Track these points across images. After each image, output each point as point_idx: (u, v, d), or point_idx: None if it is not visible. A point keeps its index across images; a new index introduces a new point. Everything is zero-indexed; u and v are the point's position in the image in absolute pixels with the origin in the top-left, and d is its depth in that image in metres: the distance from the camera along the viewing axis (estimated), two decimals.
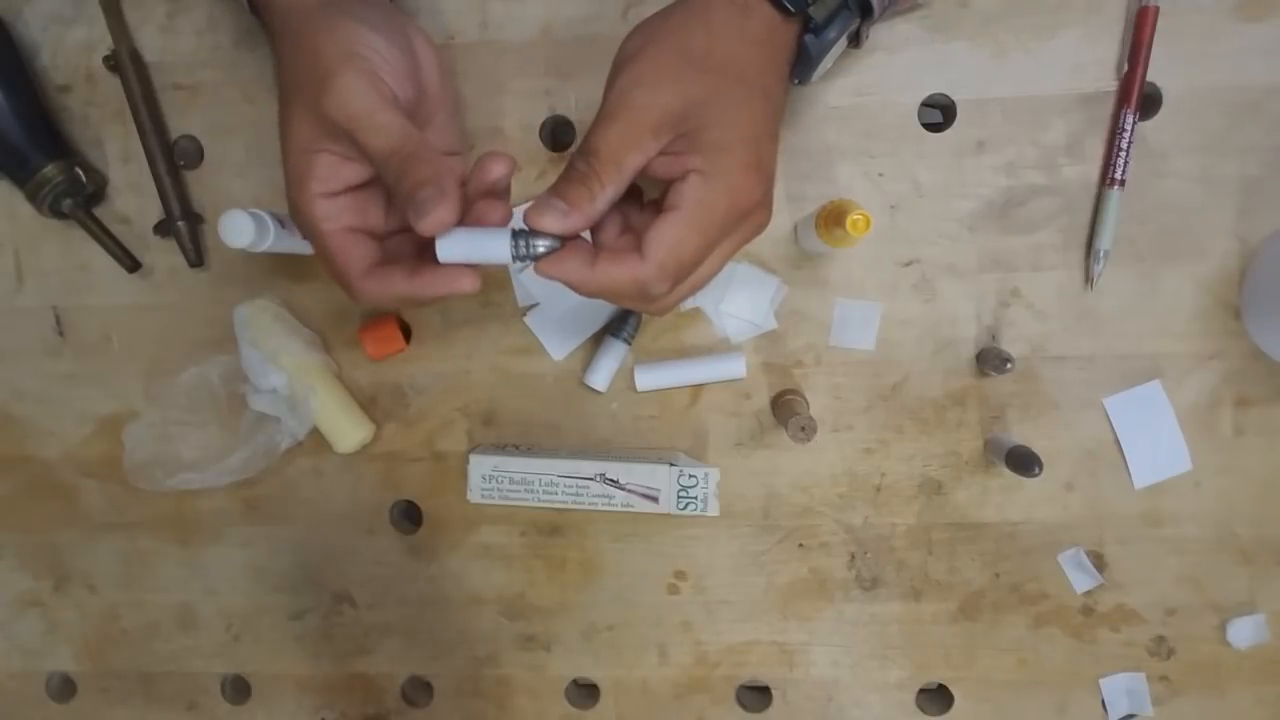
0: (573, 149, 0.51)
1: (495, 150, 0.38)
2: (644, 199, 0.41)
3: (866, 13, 0.40)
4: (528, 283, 0.52)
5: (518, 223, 0.37)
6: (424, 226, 0.35)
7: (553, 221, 0.35)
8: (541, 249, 0.36)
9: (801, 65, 0.40)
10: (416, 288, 0.38)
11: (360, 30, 0.38)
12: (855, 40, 0.43)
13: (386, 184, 0.37)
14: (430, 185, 0.34)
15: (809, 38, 0.39)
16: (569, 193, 0.36)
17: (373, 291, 0.39)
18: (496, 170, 0.38)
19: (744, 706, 0.55)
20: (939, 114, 0.51)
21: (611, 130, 0.36)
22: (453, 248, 0.37)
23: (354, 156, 0.38)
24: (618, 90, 0.36)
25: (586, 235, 0.39)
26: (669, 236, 0.35)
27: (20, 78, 0.51)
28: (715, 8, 0.37)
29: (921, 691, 0.54)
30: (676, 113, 0.36)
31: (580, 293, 0.37)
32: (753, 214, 0.37)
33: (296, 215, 0.39)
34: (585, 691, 0.56)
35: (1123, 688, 0.53)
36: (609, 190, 0.36)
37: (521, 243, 0.36)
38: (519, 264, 0.37)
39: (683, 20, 0.37)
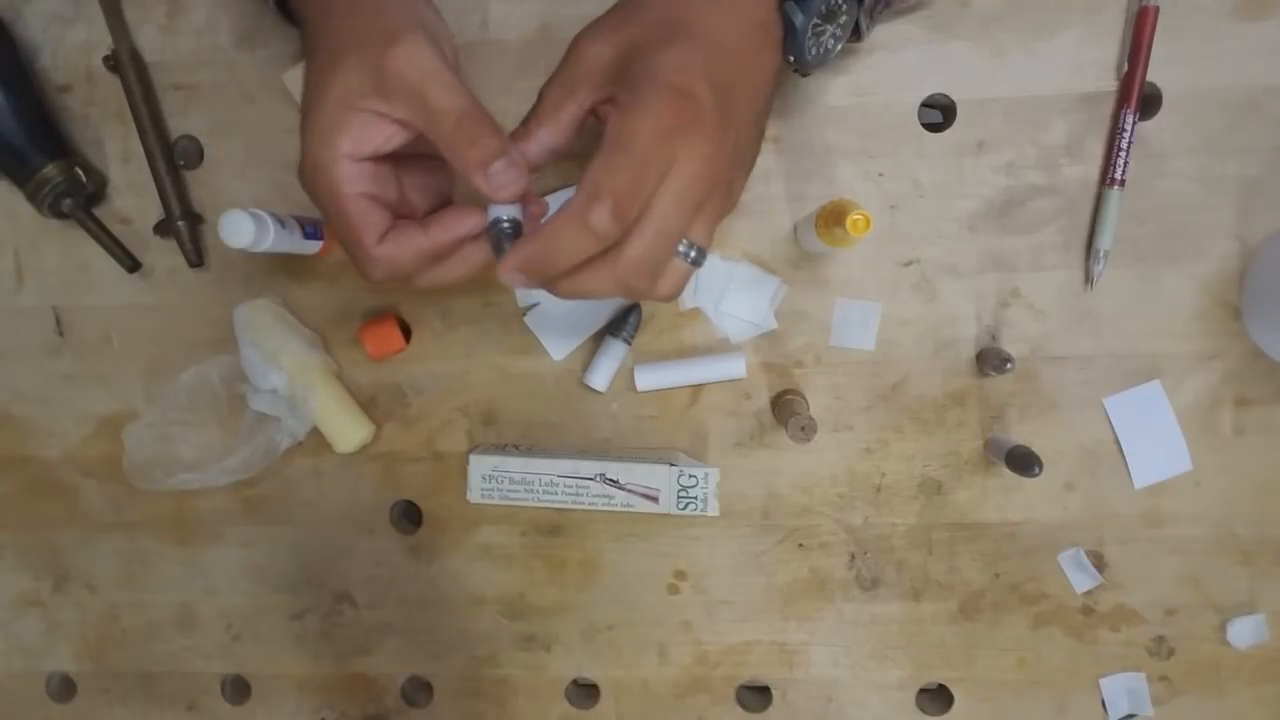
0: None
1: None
2: None
3: None
4: None
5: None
6: (502, 196, 0.37)
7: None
8: (505, 226, 0.38)
9: (789, 41, 0.40)
10: (435, 236, 0.39)
11: (419, 1, 0.40)
12: (856, 34, 0.43)
13: (444, 145, 0.37)
14: (504, 156, 0.36)
15: (789, 6, 0.39)
16: (511, 134, 0.38)
17: (389, 255, 0.39)
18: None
19: (744, 706, 0.55)
20: (939, 114, 0.51)
21: (553, 79, 0.39)
22: None
23: (399, 118, 0.38)
24: (569, 47, 0.39)
25: None
26: (593, 165, 0.35)
27: (20, 78, 0.51)
28: None
29: (921, 691, 0.54)
30: (610, 61, 0.37)
31: (543, 271, 0.37)
32: (686, 140, 0.35)
33: (315, 175, 0.38)
34: (585, 691, 0.56)
35: (1123, 688, 0.53)
36: (543, 130, 0.39)
37: (492, 232, 0.39)
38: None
39: None
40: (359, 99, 0.37)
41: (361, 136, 0.38)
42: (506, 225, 0.38)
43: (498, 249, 0.38)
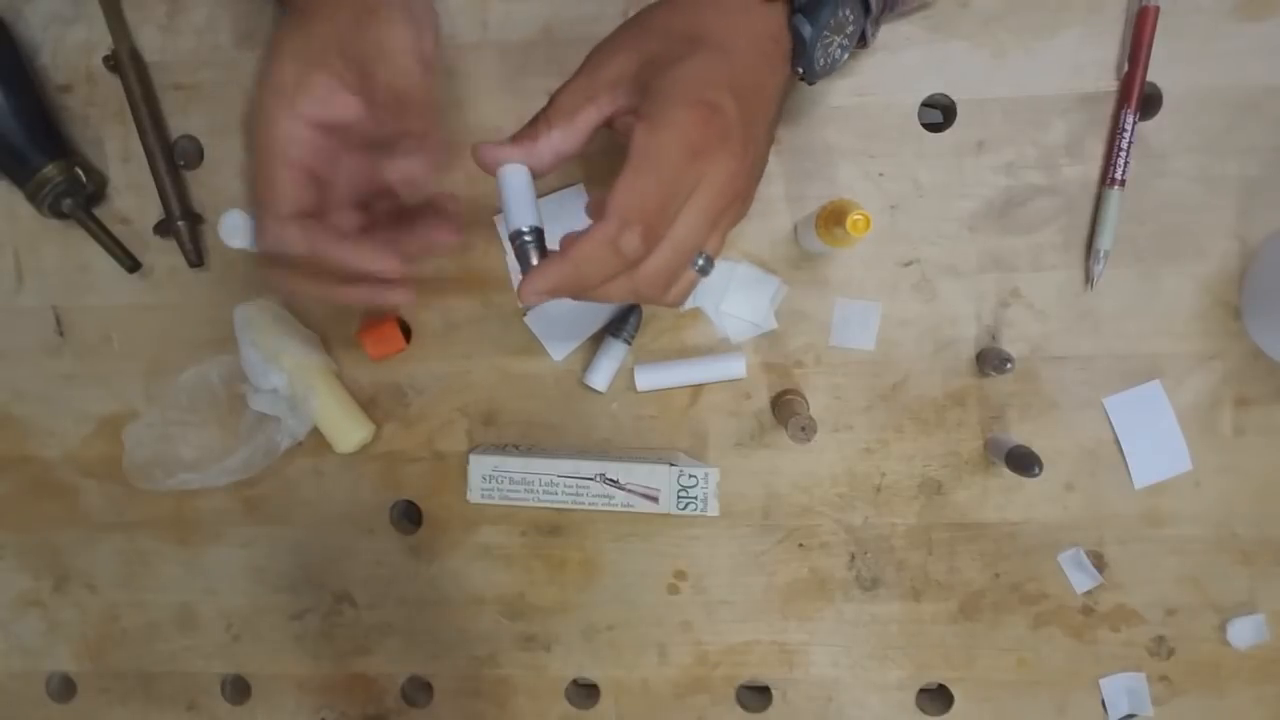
0: None
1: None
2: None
3: (866, 8, 0.40)
4: None
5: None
6: (407, 174, 0.39)
7: (493, 148, 0.37)
8: (528, 237, 0.37)
9: (798, 53, 0.40)
10: (346, 255, 0.38)
11: None
12: (862, 41, 0.43)
13: (387, 126, 0.38)
14: (418, 140, 0.38)
15: (799, 19, 0.39)
16: (518, 132, 0.38)
17: (288, 235, 0.38)
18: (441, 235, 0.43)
19: (744, 706, 0.55)
20: (939, 114, 0.51)
21: (572, 84, 0.38)
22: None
23: (356, 88, 0.37)
24: (587, 56, 0.39)
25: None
26: (623, 185, 0.35)
27: (20, 78, 0.51)
28: None
29: (921, 691, 0.54)
30: (631, 72, 0.37)
31: (570, 291, 0.37)
32: (713, 158, 0.36)
33: (264, 126, 0.37)
34: (585, 691, 0.56)
35: (1123, 688, 0.53)
36: (555, 135, 0.38)
37: (516, 244, 0.38)
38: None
39: (656, 2, 0.40)
40: (320, 58, 0.37)
41: (320, 96, 0.38)
42: (529, 236, 0.37)
43: (524, 260, 0.37)
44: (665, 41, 0.37)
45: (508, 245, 0.52)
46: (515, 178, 0.37)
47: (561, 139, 0.38)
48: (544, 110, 0.38)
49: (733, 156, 0.36)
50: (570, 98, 0.38)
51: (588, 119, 0.38)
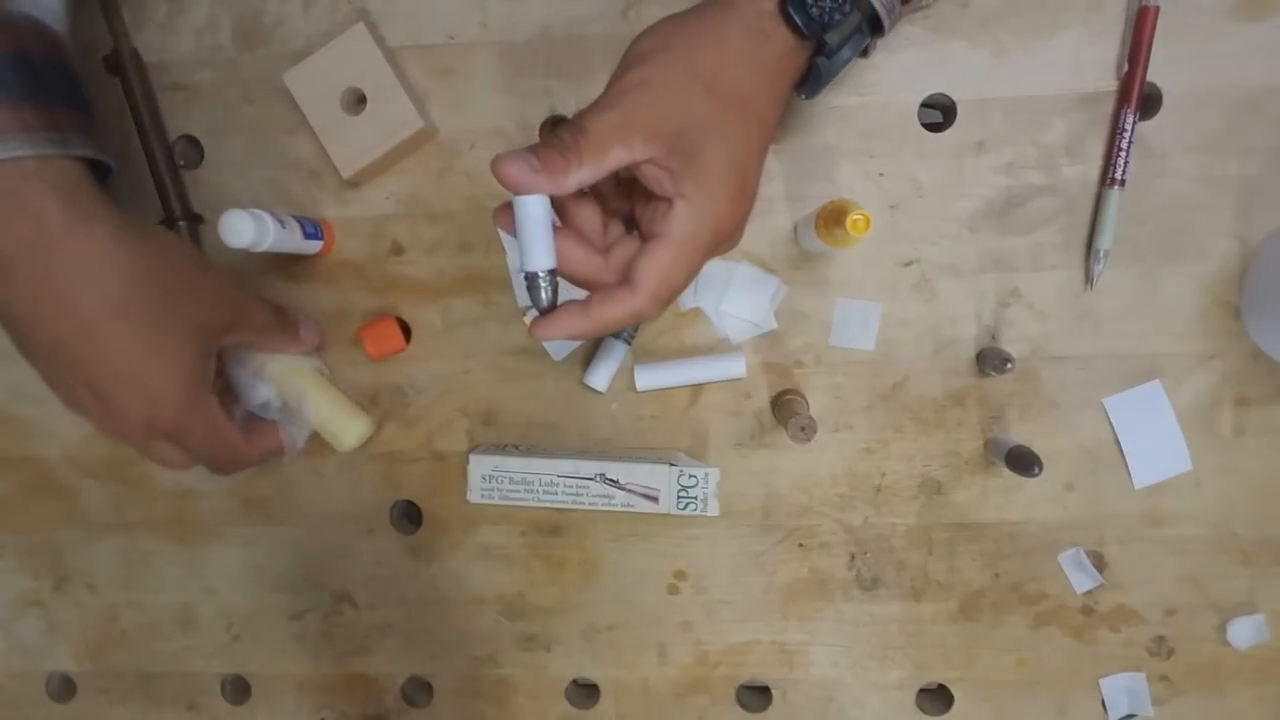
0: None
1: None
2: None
3: (877, 30, 0.41)
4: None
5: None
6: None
7: (519, 173, 0.34)
8: (542, 283, 0.36)
9: (811, 84, 0.41)
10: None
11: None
12: (863, 53, 0.43)
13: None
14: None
15: (821, 60, 0.39)
16: (546, 156, 0.34)
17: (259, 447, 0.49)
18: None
19: (744, 706, 0.55)
20: (939, 114, 0.51)
21: (607, 116, 0.35)
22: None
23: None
24: (624, 84, 0.36)
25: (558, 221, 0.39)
26: (659, 269, 0.36)
27: None
28: (732, 28, 0.37)
29: (921, 691, 0.54)
30: (673, 130, 0.35)
31: (582, 339, 0.39)
32: (730, 238, 0.39)
33: (199, 411, 0.44)
34: (585, 691, 0.56)
35: (1123, 688, 0.53)
36: (585, 170, 0.35)
37: (530, 284, 0.37)
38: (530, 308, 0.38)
39: (698, 34, 0.37)
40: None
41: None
42: (544, 281, 0.36)
43: (535, 298, 0.37)
44: (712, 104, 0.36)
45: (508, 244, 0.52)
46: (536, 210, 0.35)
47: (590, 174, 0.35)
48: (574, 137, 0.35)
49: (741, 231, 0.39)
50: (604, 134, 0.35)
51: (617, 159, 0.35)
